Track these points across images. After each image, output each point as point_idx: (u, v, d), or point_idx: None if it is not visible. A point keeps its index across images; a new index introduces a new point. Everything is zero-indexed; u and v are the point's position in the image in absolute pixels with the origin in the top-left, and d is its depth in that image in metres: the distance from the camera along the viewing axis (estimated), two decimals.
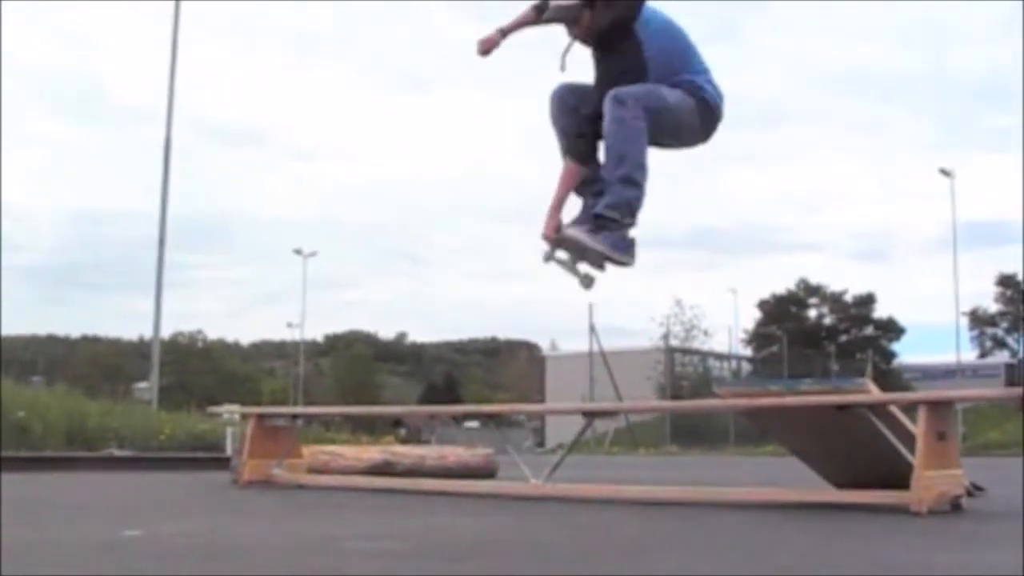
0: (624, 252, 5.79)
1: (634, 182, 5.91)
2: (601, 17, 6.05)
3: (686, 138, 6.36)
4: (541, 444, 60.65)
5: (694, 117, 6.23)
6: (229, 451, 16.70)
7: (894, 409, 6.63)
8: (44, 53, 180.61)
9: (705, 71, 6.37)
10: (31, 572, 3.34)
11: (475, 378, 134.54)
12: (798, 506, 6.63)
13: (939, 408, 6.26)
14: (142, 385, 35.18)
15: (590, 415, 8.42)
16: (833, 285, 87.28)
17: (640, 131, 5.88)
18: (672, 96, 6.09)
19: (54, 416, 21.98)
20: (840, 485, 7.03)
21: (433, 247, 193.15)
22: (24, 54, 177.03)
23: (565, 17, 6.13)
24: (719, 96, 6.34)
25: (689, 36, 6.38)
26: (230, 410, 16.16)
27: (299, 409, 11.08)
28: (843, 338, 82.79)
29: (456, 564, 3.69)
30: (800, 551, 4.42)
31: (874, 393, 6.70)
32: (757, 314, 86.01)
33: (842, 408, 6.40)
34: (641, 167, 5.97)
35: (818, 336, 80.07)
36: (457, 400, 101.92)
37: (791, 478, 8.57)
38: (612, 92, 5.88)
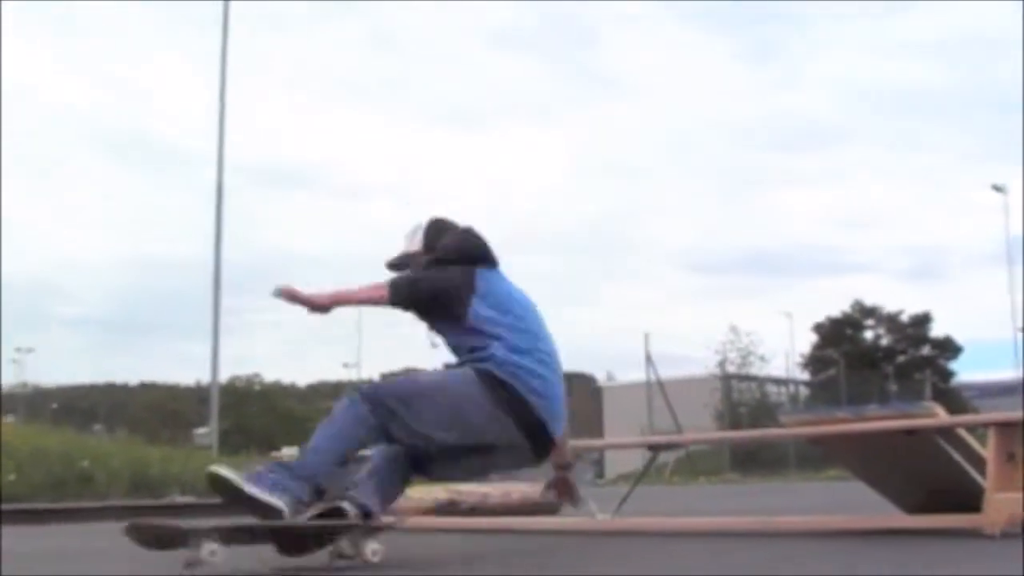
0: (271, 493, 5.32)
1: (312, 452, 5.65)
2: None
3: (480, 424, 5.44)
4: (600, 476, 60.49)
5: (482, 398, 5.44)
6: None
7: (961, 431, 6.59)
8: (93, 100, 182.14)
9: (528, 351, 5.67)
10: None
11: None
12: (869, 532, 6.58)
13: (1008, 429, 6.22)
14: (201, 431, 35.35)
15: (655, 448, 8.39)
16: (888, 305, 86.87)
17: (339, 421, 5.61)
18: (436, 376, 5.64)
19: (117, 464, 22.09)
20: (910, 510, 6.98)
21: None
22: (72, 102, 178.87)
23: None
24: (530, 373, 5.54)
25: (531, 314, 5.94)
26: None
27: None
28: (900, 359, 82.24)
29: None
30: None
31: (942, 416, 6.65)
32: (813, 337, 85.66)
33: (910, 432, 6.36)
34: (316, 449, 5.65)
35: (875, 357, 79.51)
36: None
37: (858, 504, 8.50)
38: (362, 388, 5.72)
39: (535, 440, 5.43)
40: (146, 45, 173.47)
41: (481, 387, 5.38)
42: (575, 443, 6.60)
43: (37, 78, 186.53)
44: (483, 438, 5.38)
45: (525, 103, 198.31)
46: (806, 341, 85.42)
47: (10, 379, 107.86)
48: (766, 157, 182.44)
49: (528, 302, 5.97)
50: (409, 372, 6.21)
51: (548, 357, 5.62)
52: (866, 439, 6.73)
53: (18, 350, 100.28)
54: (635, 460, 53.09)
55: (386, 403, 5.40)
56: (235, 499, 5.19)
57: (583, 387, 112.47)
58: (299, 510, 5.24)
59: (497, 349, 5.48)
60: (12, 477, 19.44)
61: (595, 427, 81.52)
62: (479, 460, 5.58)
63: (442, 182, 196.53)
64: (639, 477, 8.98)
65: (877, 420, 6.76)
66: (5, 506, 12.83)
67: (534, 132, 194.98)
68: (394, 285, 5.97)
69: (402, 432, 5.41)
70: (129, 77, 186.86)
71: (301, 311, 5.78)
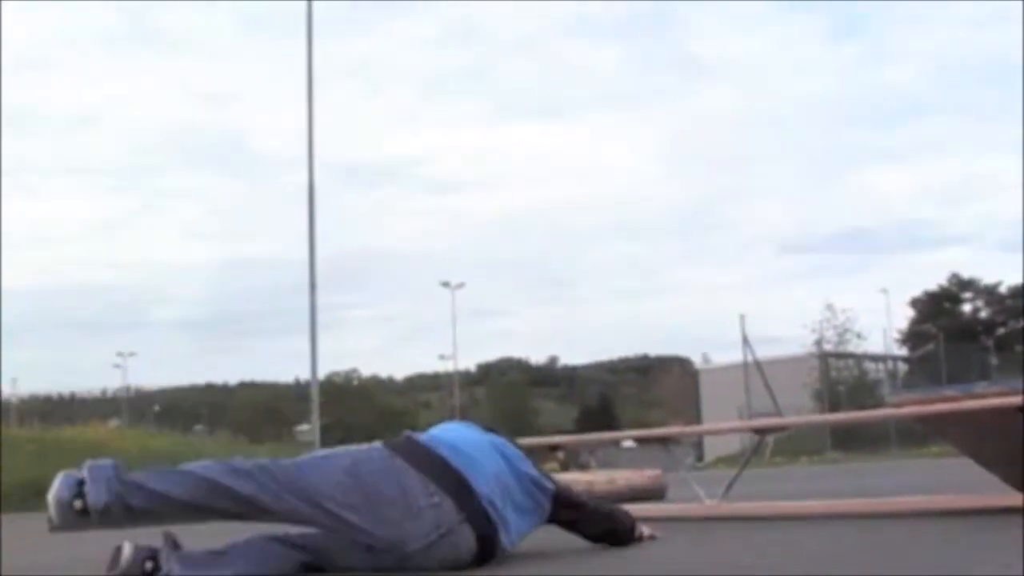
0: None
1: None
2: None
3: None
4: (700, 459, 60.35)
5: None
6: None
7: None
8: (184, 111, 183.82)
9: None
10: None
11: (629, 397, 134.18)
12: (981, 512, 6.54)
13: None
14: (303, 428, 35.58)
15: (762, 432, 8.37)
16: (986, 278, 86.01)
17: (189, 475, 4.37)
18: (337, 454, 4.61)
19: None
20: (1022, 488, 6.92)
21: (578, 270, 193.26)
22: (164, 113, 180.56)
23: None
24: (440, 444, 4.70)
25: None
26: None
27: None
28: (1000, 331, 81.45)
29: None
30: (996, 561, 4.35)
31: None
32: (910, 312, 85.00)
33: (1021, 409, 6.30)
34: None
35: (974, 331, 78.83)
36: (613, 420, 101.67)
37: (966, 482, 8.43)
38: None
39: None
40: (231, 54, 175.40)
41: None
42: (683, 428, 6.49)
43: (129, 93, 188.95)
44: None
45: (610, 91, 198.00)
46: (903, 316, 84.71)
47: (114, 383, 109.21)
48: (858, 134, 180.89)
49: None
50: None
51: None
52: (976, 417, 6.68)
53: (120, 354, 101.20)
54: (733, 442, 52.92)
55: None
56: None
57: (680, 370, 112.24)
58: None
59: None
60: None
61: (692, 409, 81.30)
62: None
63: (529, 173, 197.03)
64: (746, 461, 8.95)
65: (987, 397, 6.70)
66: None
67: (620, 120, 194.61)
68: None
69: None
70: (217, 86, 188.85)
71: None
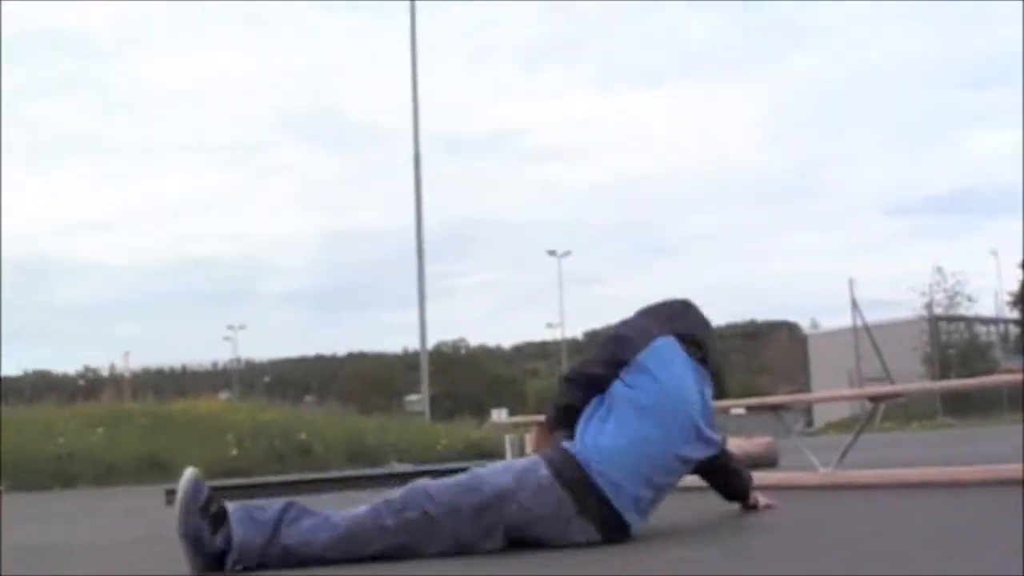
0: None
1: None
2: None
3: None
4: (810, 424, 59.97)
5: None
6: (508, 458, 16.83)
7: None
8: (289, 86, 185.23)
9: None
10: None
11: (736, 362, 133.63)
12: None
13: None
14: (413, 398, 35.74)
15: (877, 399, 8.28)
16: None
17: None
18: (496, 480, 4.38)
19: (333, 435, 22.48)
20: None
21: (684, 236, 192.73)
22: (270, 88, 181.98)
23: None
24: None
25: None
26: (513, 422, 16.24)
27: None
28: None
29: (770, 564, 3.66)
30: None
31: None
32: (1021, 275, 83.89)
33: None
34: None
35: None
36: (721, 386, 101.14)
37: None
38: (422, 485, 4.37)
39: None
40: (335, 28, 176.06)
41: None
42: (796, 395, 6.39)
43: (237, 71, 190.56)
44: None
45: (711, 58, 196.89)
46: (1014, 279, 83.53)
47: (224, 355, 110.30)
48: (961, 94, 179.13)
49: None
50: None
51: None
52: None
53: (230, 327, 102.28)
54: (843, 408, 52.42)
55: None
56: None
57: (788, 335, 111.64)
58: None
59: None
60: (234, 452, 19.94)
61: (801, 375, 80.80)
62: None
63: (631, 140, 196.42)
64: (860, 428, 8.84)
65: None
66: (229, 481, 13.09)
67: (721, 86, 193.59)
68: None
69: None
70: (321, 61, 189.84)
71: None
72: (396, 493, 4.32)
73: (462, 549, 4.28)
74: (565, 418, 4.65)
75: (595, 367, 4.76)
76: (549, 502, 4.29)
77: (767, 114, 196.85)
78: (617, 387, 4.61)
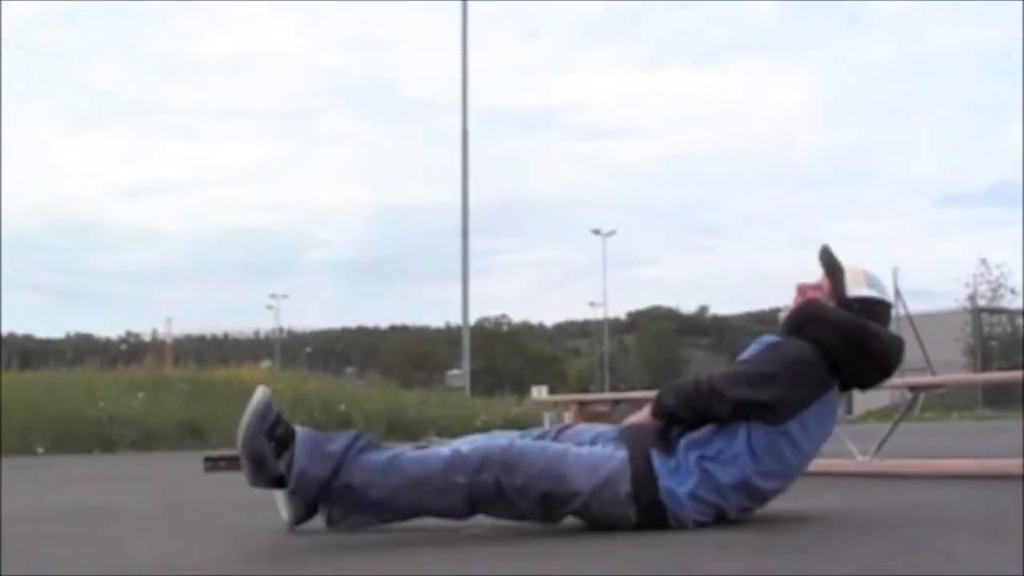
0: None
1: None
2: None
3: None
4: (849, 411, 59.66)
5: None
6: None
7: None
8: (340, 56, 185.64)
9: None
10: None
11: None
12: None
13: None
14: (454, 372, 35.78)
15: (916, 389, 8.22)
16: None
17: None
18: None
19: (374, 408, 22.52)
20: None
21: (731, 218, 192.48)
22: (321, 58, 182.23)
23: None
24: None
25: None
26: (553, 399, 16.25)
27: (620, 395, 11.08)
28: None
29: (801, 552, 3.63)
30: None
31: None
32: None
33: None
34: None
35: None
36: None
37: None
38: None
39: None
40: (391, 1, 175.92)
41: None
42: None
43: (289, 42, 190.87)
44: None
45: (765, 39, 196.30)
46: None
47: (267, 324, 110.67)
48: (1016, 86, 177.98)
49: None
50: None
51: None
52: None
53: (273, 296, 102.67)
54: (883, 396, 52.31)
55: None
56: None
57: None
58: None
59: None
60: None
61: None
62: None
63: (682, 120, 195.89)
64: (900, 418, 8.80)
65: None
66: None
67: (775, 68, 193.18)
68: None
69: None
70: (372, 33, 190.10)
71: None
72: (470, 449, 4.23)
73: (515, 520, 4.28)
74: (672, 418, 4.41)
75: (749, 393, 4.33)
76: (616, 515, 4.21)
77: (820, 98, 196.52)
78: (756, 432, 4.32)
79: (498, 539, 4.10)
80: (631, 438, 4.38)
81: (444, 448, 4.30)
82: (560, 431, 4.65)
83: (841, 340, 4.46)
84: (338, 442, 4.13)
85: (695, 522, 4.19)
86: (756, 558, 3.52)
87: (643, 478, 4.19)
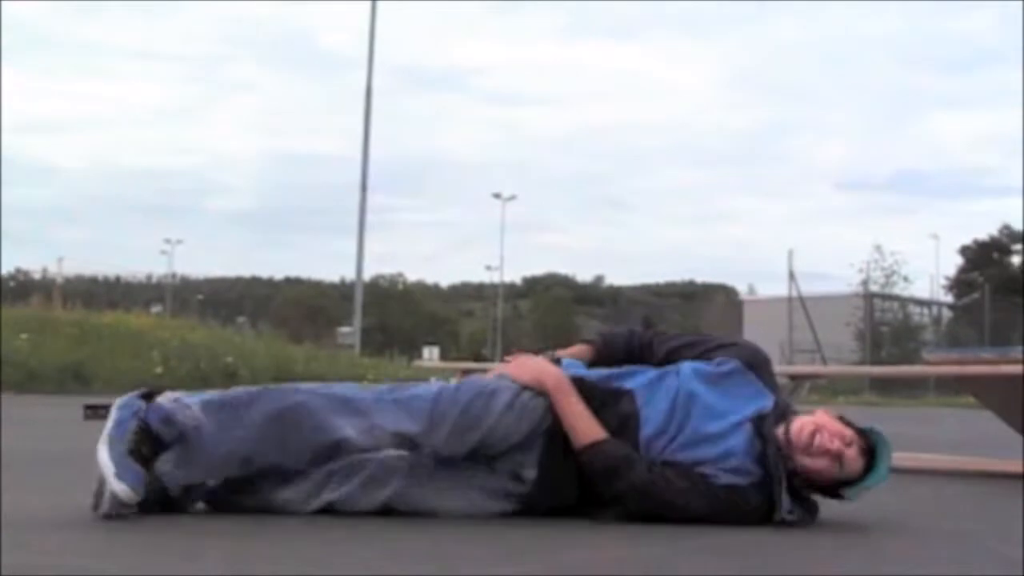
0: None
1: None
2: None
3: None
4: None
5: None
6: None
7: None
8: (258, 5, 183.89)
9: None
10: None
11: (672, 321, 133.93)
12: (1011, 477, 6.52)
13: None
14: (345, 329, 35.69)
15: (797, 378, 8.33)
16: None
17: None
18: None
19: (261, 362, 22.45)
20: None
21: (633, 191, 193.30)
22: (238, 4, 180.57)
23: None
24: None
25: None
26: (440, 365, 16.29)
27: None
28: None
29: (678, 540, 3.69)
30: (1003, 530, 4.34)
31: None
32: (959, 260, 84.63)
33: None
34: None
35: (1022, 284, 78.20)
36: None
37: (1000, 440, 8.34)
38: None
39: None
40: None
41: None
42: None
43: None
44: None
45: (681, 16, 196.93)
46: (952, 264, 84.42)
47: (160, 269, 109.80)
48: (924, 78, 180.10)
49: None
50: None
51: None
52: (1009, 381, 6.63)
53: (168, 241, 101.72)
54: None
55: None
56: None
57: (724, 298, 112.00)
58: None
59: None
60: (159, 370, 19.85)
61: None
62: None
63: (593, 92, 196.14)
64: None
65: (1021, 363, 6.65)
66: None
67: (690, 45, 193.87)
68: None
69: None
70: None
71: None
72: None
73: None
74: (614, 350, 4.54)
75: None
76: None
77: (731, 77, 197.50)
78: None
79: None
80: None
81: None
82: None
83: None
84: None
85: None
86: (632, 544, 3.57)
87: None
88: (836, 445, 4.00)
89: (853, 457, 4.04)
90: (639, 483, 4.03)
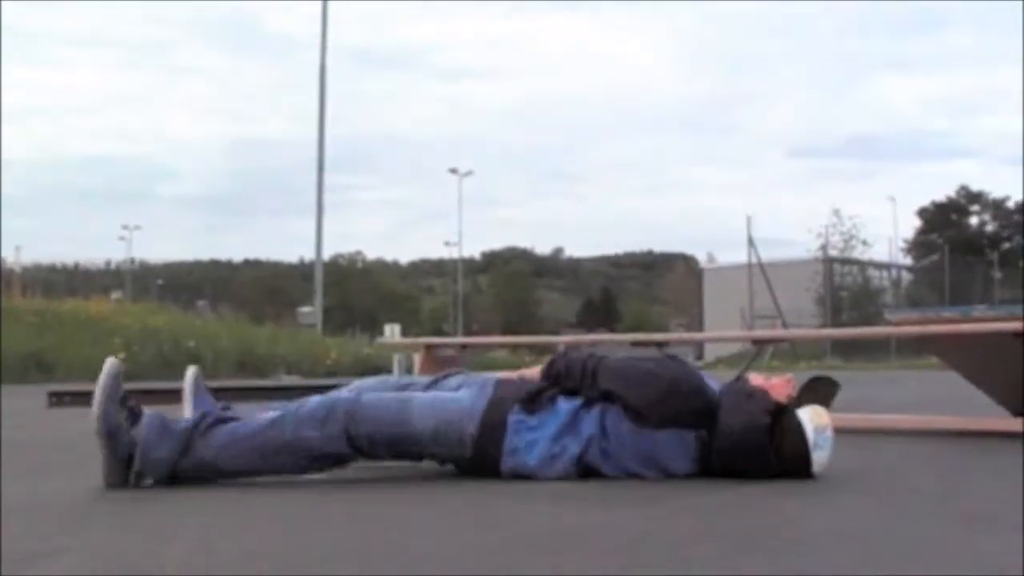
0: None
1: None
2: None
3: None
4: (700, 357, 60.35)
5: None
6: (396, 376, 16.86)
7: None
8: None
9: None
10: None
11: (632, 292, 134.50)
12: (977, 435, 6.56)
13: None
14: (305, 309, 35.66)
15: (760, 342, 8.37)
16: (994, 192, 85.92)
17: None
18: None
19: (224, 345, 22.41)
20: (1017, 413, 6.91)
21: (587, 162, 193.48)
22: None
23: None
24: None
25: None
26: (400, 344, 16.29)
27: (468, 340, 11.13)
28: (1005, 245, 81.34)
29: (649, 505, 3.71)
30: (980, 487, 4.38)
31: None
32: (917, 222, 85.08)
33: (1018, 335, 6.28)
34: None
35: (980, 244, 78.75)
36: (614, 314, 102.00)
37: (962, 400, 8.39)
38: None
39: None
40: None
41: None
42: (683, 335, 6.29)
43: None
44: None
45: None
46: (910, 226, 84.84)
47: (118, 255, 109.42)
48: (873, 42, 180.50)
49: None
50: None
51: None
52: (973, 341, 6.68)
53: (125, 227, 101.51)
54: (733, 344, 53.09)
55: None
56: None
57: (684, 267, 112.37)
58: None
59: None
60: (121, 355, 19.79)
61: (695, 307, 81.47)
62: None
63: (543, 65, 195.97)
64: (744, 368, 8.93)
65: (984, 322, 6.70)
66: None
67: (637, 15, 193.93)
68: None
69: None
70: None
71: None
72: (316, 403, 4.28)
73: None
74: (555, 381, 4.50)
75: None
76: (455, 455, 4.32)
77: (681, 47, 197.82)
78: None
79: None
80: (502, 387, 4.44)
81: (291, 405, 4.31)
82: (434, 382, 4.70)
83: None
84: (185, 421, 4.15)
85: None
86: (586, 508, 3.59)
87: (491, 427, 4.26)
88: None
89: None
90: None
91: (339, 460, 4.28)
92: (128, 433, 3.99)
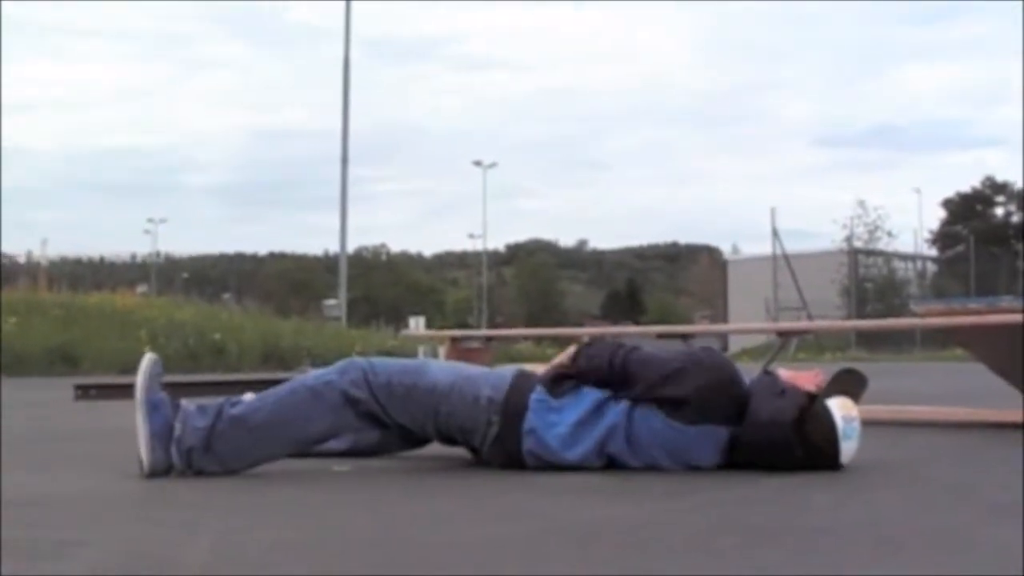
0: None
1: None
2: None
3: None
4: (724, 349, 60.19)
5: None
6: None
7: None
8: None
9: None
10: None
11: (656, 283, 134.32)
12: (1002, 427, 6.53)
13: None
14: (330, 302, 35.68)
15: (785, 334, 8.35)
16: (1020, 182, 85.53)
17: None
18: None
19: (249, 338, 22.42)
20: None
21: (612, 154, 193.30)
22: None
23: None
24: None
25: None
26: (425, 336, 16.30)
27: (493, 332, 11.13)
28: None
29: (679, 498, 3.70)
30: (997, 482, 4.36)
31: None
32: (942, 213, 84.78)
33: None
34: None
35: (1006, 235, 78.36)
36: (639, 306, 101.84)
37: (988, 391, 8.35)
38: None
39: None
40: None
41: None
42: (708, 326, 6.28)
43: None
44: None
45: None
46: (935, 217, 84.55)
47: (143, 248, 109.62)
48: (896, 31, 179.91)
49: None
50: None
51: None
52: (1000, 332, 6.64)
53: (151, 220, 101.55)
54: (758, 335, 52.91)
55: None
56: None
57: (708, 259, 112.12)
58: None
59: None
60: (147, 349, 19.80)
61: (719, 299, 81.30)
62: None
63: (567, 55, 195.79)
64: (769, 360, 8.90)
65: (1010, 313, 6.66)
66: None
67: (661, 5, 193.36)
68: None
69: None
70: None
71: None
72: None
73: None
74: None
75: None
76: (477, 419, 4.28)
77: (704, 37, 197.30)
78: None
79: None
80: (523, 374, 4.45)
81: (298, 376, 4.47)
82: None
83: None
84: (215, 402, 4.23)
85: (535, 463, 4.25)
86: (608, 503, 3.59)
87: (512, 402, 4.27)
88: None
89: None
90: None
91: (362, 411, 4.27)
92: (168, 406, 4.09)
